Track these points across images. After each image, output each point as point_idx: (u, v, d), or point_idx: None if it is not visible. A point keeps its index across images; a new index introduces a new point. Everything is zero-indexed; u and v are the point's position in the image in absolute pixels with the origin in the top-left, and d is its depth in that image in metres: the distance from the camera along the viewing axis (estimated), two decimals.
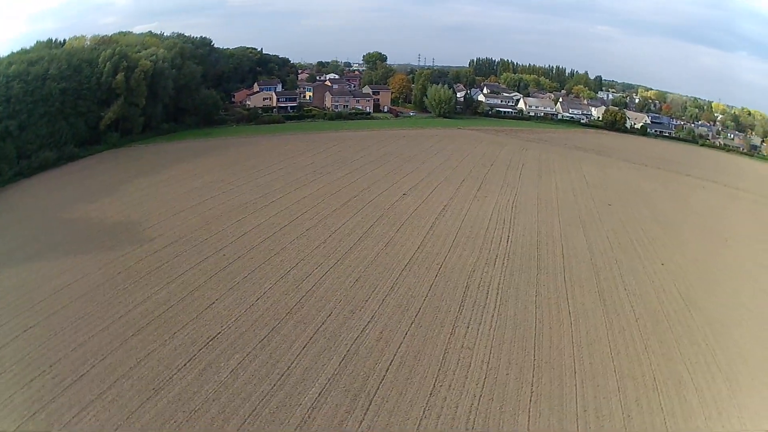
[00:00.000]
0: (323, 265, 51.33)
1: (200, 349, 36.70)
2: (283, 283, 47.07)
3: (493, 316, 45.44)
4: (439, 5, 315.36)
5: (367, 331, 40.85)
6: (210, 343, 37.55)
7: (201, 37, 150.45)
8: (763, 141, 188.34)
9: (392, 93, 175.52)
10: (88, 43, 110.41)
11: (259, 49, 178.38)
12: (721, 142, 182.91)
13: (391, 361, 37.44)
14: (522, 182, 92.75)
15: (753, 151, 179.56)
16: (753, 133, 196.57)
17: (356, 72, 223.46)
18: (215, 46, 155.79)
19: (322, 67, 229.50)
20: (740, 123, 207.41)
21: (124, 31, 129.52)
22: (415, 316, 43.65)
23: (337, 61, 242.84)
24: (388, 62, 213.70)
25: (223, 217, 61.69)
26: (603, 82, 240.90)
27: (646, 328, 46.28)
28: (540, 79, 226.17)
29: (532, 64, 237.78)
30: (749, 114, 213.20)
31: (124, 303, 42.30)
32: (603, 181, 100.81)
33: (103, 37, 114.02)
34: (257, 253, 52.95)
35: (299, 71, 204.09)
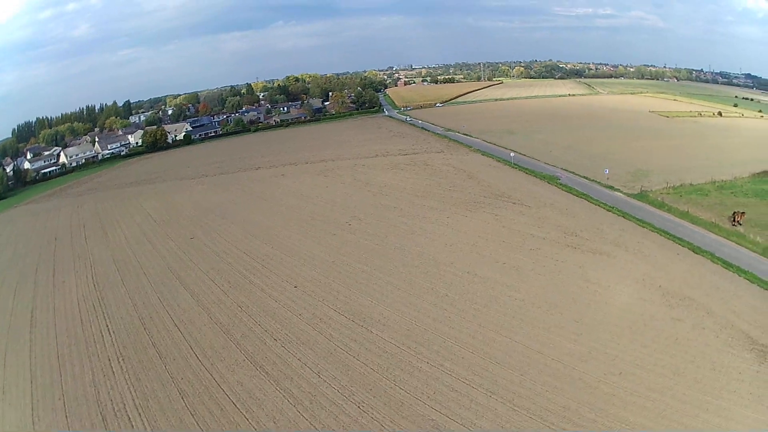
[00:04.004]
0: None
1: None
2: None
3: None
4: None
5: None
6: None
7: None
8: (325, 102, 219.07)
9: None
10: None
11: None
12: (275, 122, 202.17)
13: None
14: (93, 254, 71.28)
15: (319, 115, 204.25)
16: (309, 97, 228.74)
17: None
18: None
19: None
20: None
21: None
22: None
23: None
24: None
25: None
26: (132, 105, 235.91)
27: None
28: (74, 125, 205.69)
29: (64, 113, 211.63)
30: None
31: None
32: (170, 213, 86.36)
33: None
34: None
35: None
